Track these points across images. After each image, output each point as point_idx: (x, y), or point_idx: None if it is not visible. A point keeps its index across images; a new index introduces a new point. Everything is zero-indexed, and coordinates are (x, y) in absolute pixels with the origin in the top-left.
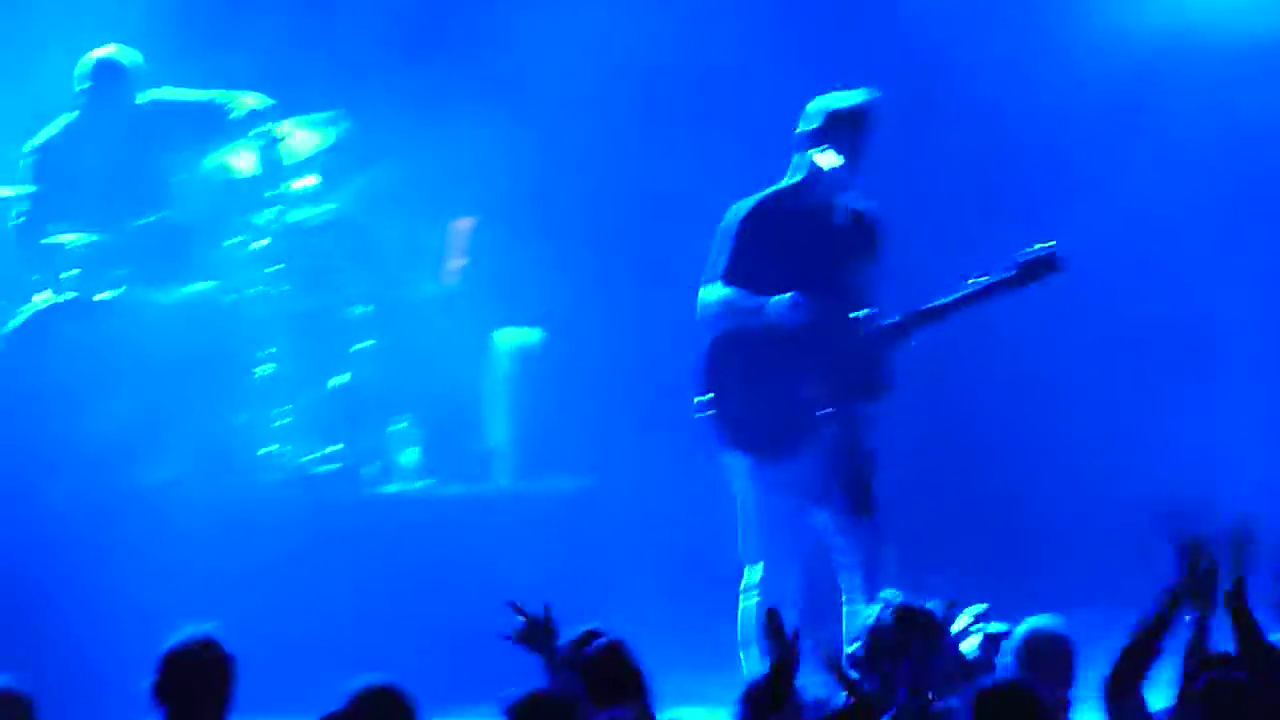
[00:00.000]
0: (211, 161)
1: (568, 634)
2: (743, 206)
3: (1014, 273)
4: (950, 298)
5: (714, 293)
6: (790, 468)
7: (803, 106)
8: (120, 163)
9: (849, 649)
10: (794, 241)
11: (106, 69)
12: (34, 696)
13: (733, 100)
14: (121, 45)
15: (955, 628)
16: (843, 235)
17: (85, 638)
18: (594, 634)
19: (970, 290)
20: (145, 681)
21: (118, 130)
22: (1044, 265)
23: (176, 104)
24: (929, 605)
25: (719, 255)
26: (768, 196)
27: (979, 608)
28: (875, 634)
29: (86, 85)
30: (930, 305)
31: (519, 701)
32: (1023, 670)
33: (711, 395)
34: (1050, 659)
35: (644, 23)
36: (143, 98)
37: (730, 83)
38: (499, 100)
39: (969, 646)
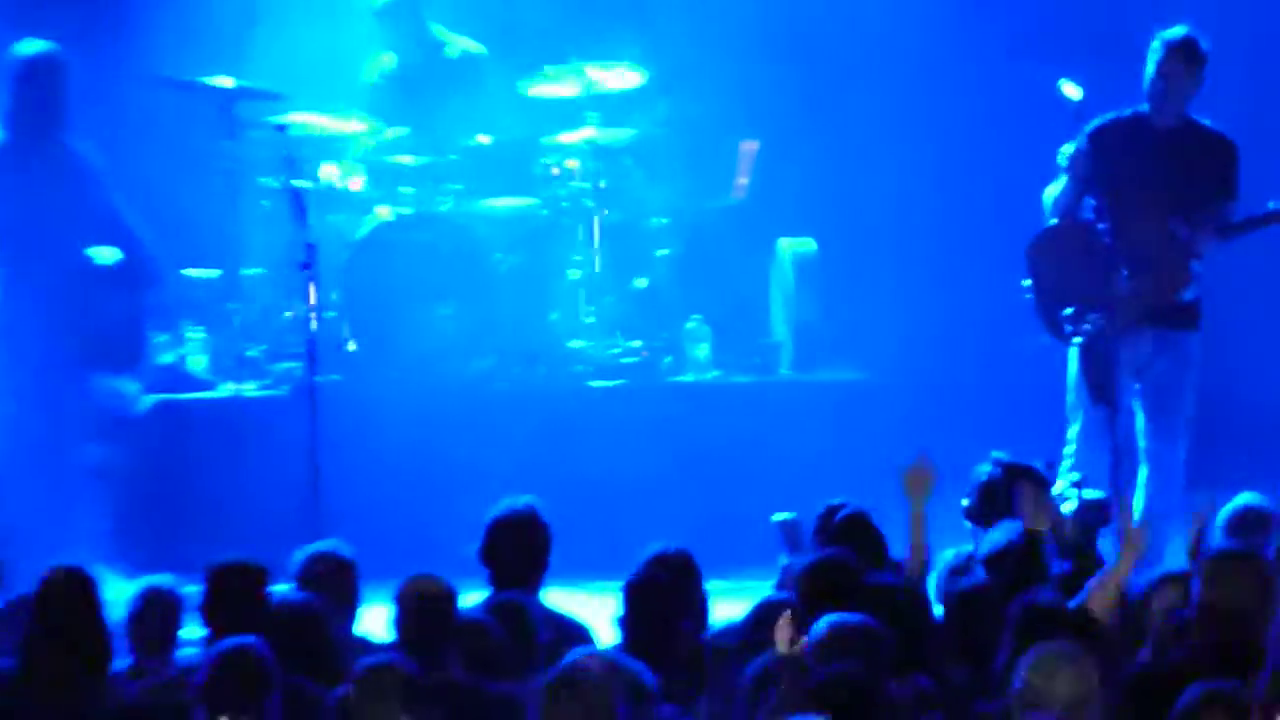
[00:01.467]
0: (526, 89)
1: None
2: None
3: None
4: (1258, 214)
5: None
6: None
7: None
8: (440, 95)
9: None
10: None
11: (401, 6)
12: (356, 560)
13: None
14: None
15: (1055, 489)
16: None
17: (421, 505)
18: (837, 507)
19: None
20: (472, 546)
21: (427, 66)
22: None
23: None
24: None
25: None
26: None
27: (1076, 476)
28: (985, 488)
29: (389, 21)
30: (1249, 216)
31: (808, 567)
32: (1231, 538)
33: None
34: (1253, 527)
35: None
36: (450, 44)
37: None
38: (778, 35)
39: (1067, 508)
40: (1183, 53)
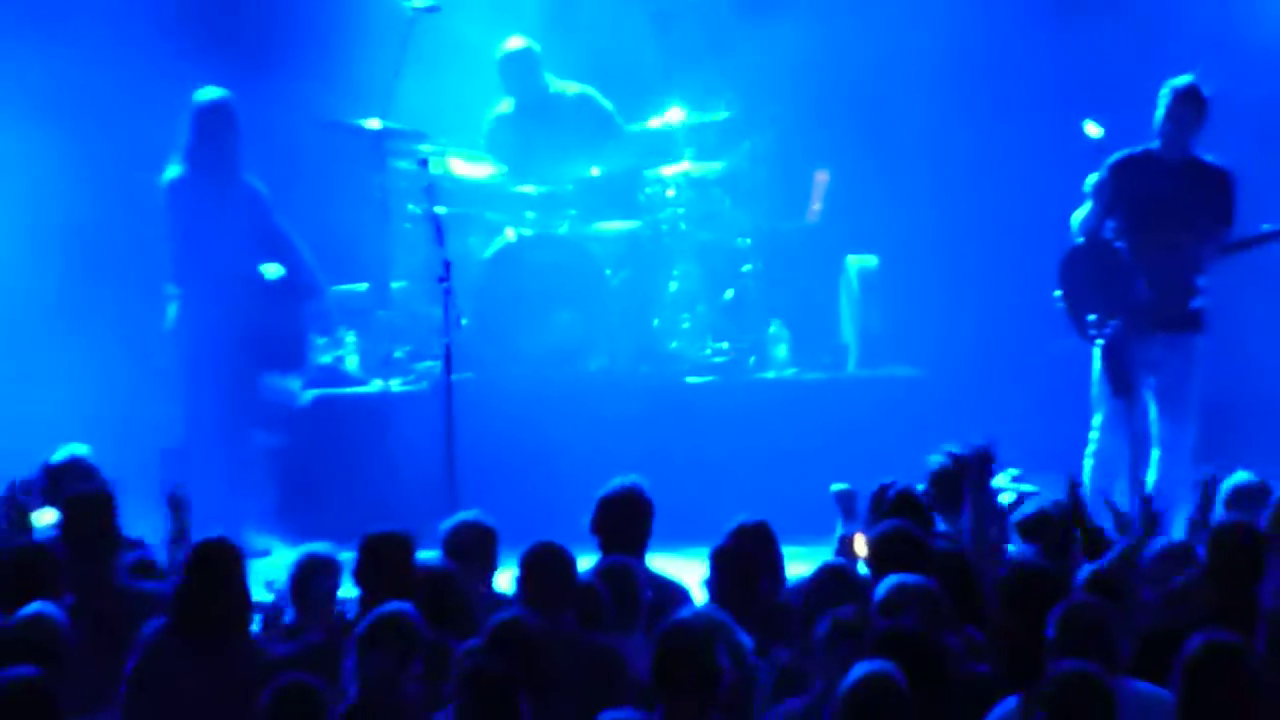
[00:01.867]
0: (634, 129)
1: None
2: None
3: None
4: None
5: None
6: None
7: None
8: (553, 134)
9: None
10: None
11: (518, 61)
12: (498, 528)
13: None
14: (526, 36)
15: (995, 482)
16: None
17: (541, 483)
18: (889, 484)
19: (1265, 232)
20: (585, 518)
21: (543, 112)
22: None
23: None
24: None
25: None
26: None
27: (1014, 471)
28: (937, 476)
29: (509, 70)
30: (1244, 237)
31: (878, 535)
32: (1227, 509)
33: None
34: (1248, 500)
35: None
36: (566, 88)
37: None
38: (845, 81)
39: (1005, 499)
40: (1188, 99)
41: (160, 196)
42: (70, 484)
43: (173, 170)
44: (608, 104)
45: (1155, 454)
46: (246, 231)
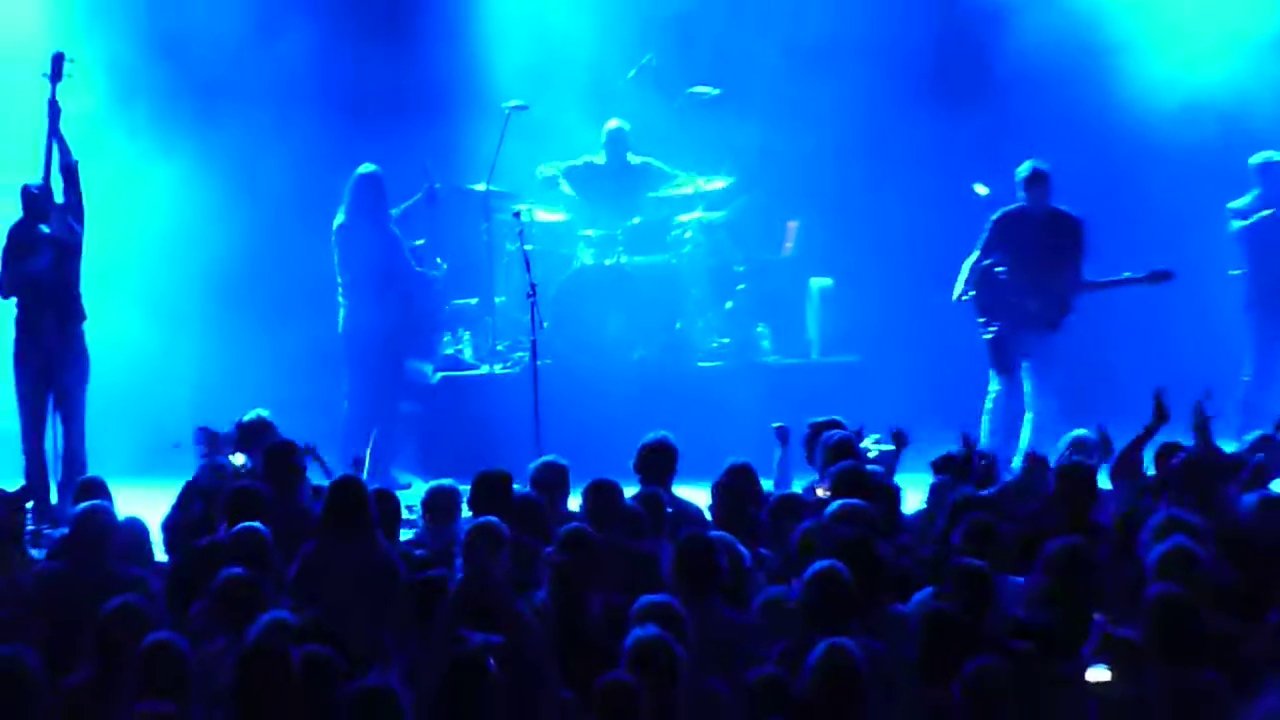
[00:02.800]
0: (664, 191)
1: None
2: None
3: (1144, 275)
4: (1111, 280)
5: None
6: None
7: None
8: (619, 191)
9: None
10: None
11: (617, 138)
12: (569, 467)
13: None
14: (621, 119)
15: (863, 444)
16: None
17: (598, 436)
18: (821, 424)
19: (1122, 278)
20: (629, 460)
21: (619, 173)
22: (1163, 276)
23: (652, 166)
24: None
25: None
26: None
27: (875, 436)
28: (806, 440)
29: (605, 142)
30: (1100, 281)
31: (838, 473)
32: (1071, 453)
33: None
34: (1089, 450)
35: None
36: (634, 159)
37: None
38: (808, 162)
39: (871, 454)
40: (1035, 178)
41: (332, 236)
42: (257, 436)
43: (340, 218)
44: (662, 165)
45: (1028, 417)
46: (390, 262)
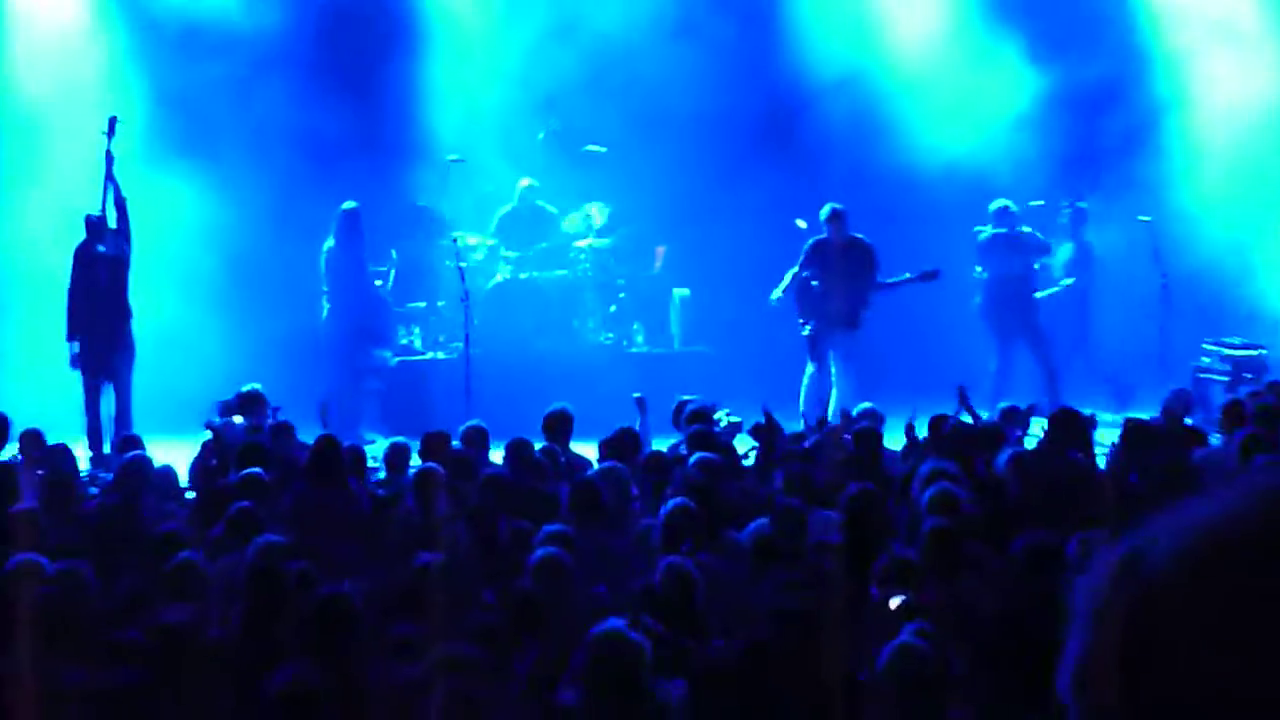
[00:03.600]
0: (564, 224)
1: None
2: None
3: (917, 275)
4: (895, 280)
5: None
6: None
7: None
8: (529, 226)
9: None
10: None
11: (528, 191)
12: (489, 430)
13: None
14: (533, 179)
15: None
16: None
17: (513, 406)
18: (684, 401)
19: (902, 279)
20: (537, 425)
21: (529, 215)
22: (932, 275)
23: (547, 210)
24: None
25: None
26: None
27: (726, 409)
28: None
29: (520, 195)
30: (888, 281)
31: (694, 434)
32: (862, 421)
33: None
34: (876, 417)
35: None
36: (540, 203)
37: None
38: (673, 199)
39: (722, 424)
40: (834, 216)
41: (321, 255)
42: (253, 403)
43: (329, 242)
44: (554, 210)
45: (834, 393)
46: (362, 274)
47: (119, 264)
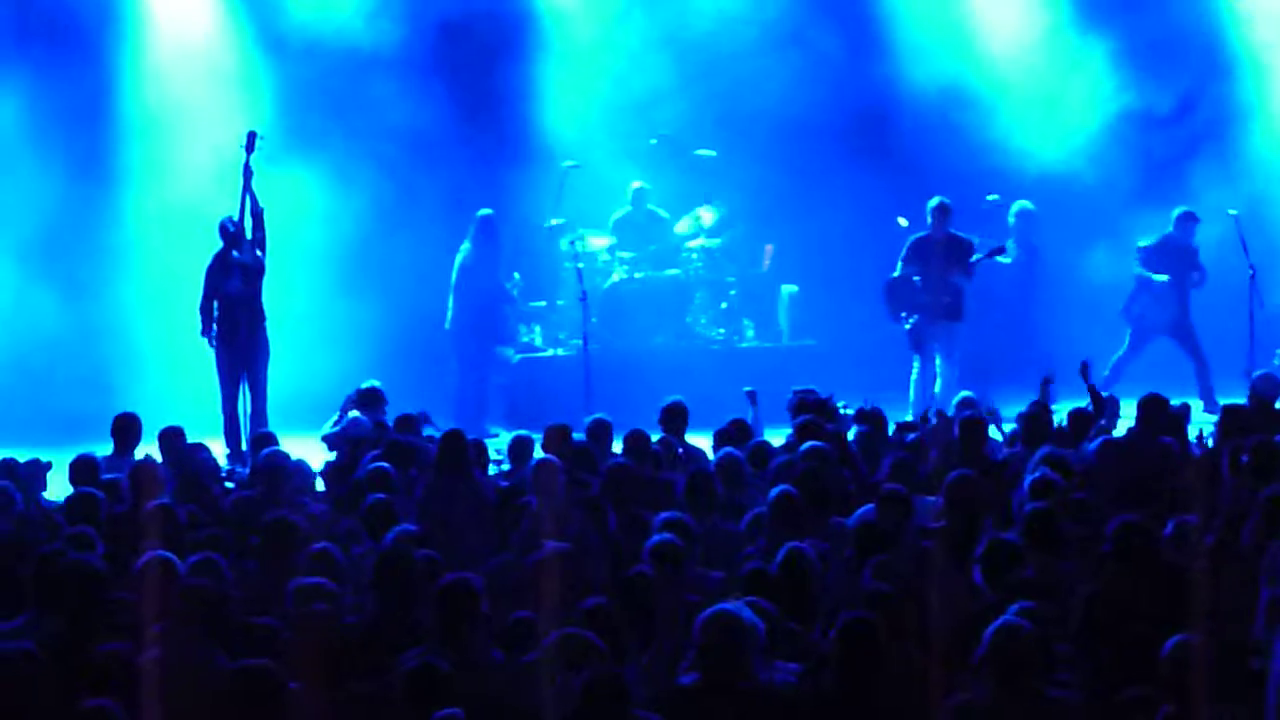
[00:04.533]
0: (676, 226)
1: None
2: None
3: (986, 254)
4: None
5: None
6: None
7: None
8: (643, 228)
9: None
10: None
11: (640, 194)
12: (613, 422)
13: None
14: (644, 182)
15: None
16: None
17: (632, 400)
18: (801, 391)
19: (976, 259)
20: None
21: (642, 218)
22: (999, 251)
23: (659, 214)
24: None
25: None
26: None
27: (843, 401)
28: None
29: (631, 197)
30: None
31: (802, 424)
32: (963, 411)
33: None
34: (976, 405)
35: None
36: (651, 207)
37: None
38: (780, 202)
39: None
40: (941, 211)
41: (457, 258)
42: (374, 400)
43: (465, 247)
44: (666, 214)
45: (938, 383)
46: (494, 276)
47: (254, 270)
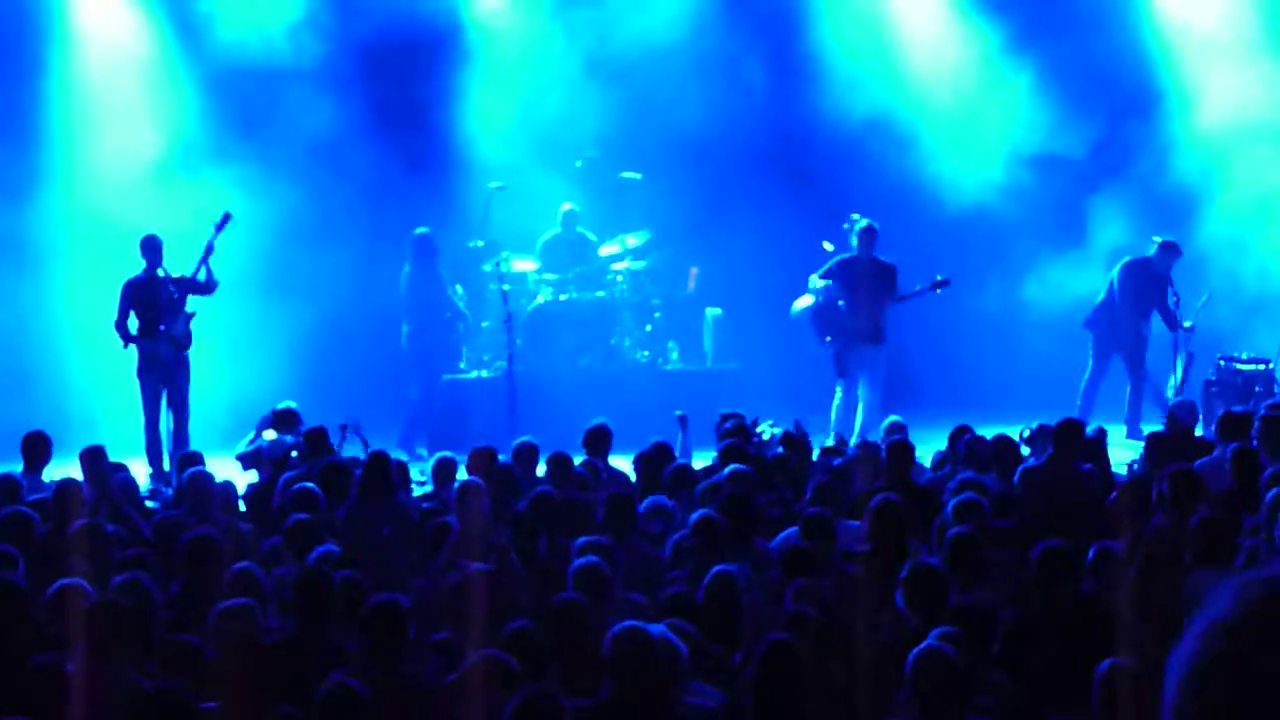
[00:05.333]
0: (604, 246)
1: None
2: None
3: (929, 286)
4: (909, 293)
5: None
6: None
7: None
8: (569, 251)
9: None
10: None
11: (569, 216)
12: (539, 444)
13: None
14: (572, 202)
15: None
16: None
17: (555, 422)
18: (727, 415)
19: (915, 291)
20: (579, 440)
21: (570, 240)
22: (943, 283)
23: (588, 237)
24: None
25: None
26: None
27: (769, 420)
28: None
29: (561, 219)
30: (903, 294)
31: (727, 448)
32: (892, 435)
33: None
34: (903, 429)
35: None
36: (580, 229)
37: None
38: (704, 224)
39: (767, 436)
40: (868, 234)
41: (401, 280)
42: (286, 421)
43: (406, 268)
44: (594, 238)
45: (861, 407)
46: (440, 294)
47: (183, 288)
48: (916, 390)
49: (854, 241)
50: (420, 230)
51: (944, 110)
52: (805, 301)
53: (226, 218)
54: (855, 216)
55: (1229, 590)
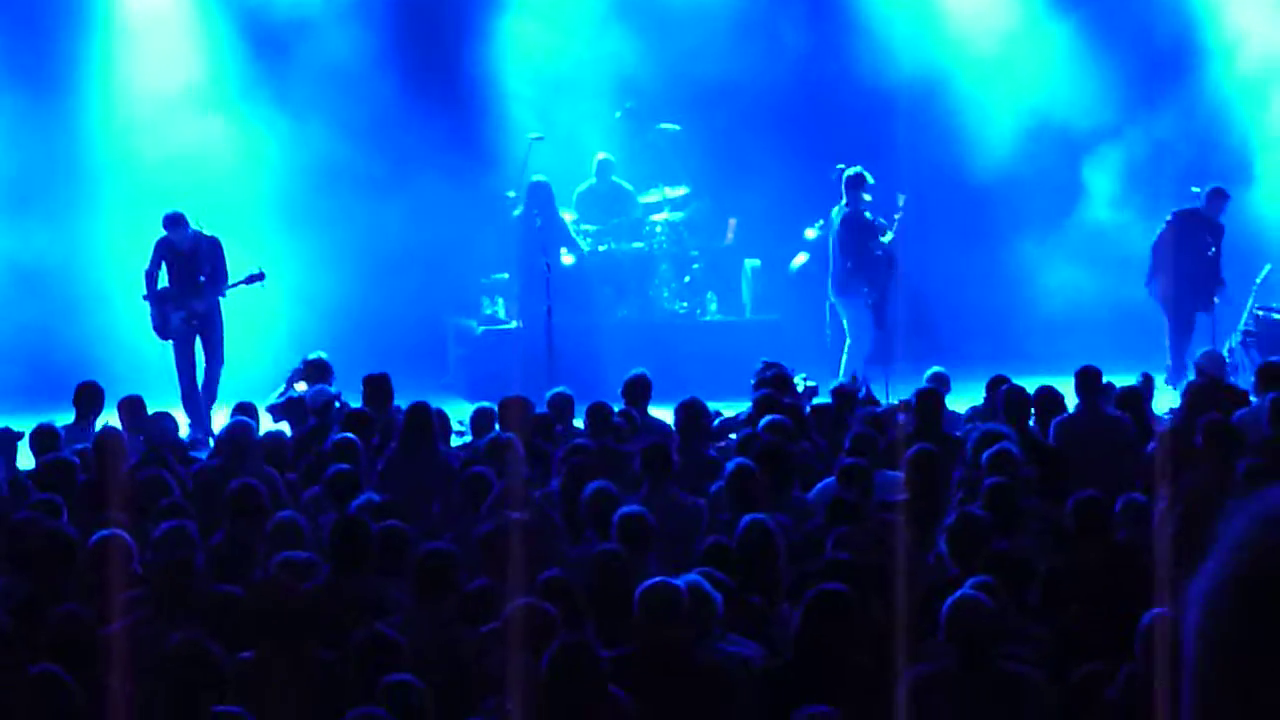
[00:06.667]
0: (639, 200)
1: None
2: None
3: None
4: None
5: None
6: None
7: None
8: (607, 202)
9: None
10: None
11: (604, 165)
12: (574, 395)
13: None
14: (607, 151)
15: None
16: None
17: (592, 370)
18: (768, 364)
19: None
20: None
21: (606, 190)
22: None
23: (624, 187)
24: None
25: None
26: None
27: (803, 374)
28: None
29: (596, 169)
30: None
31: (762, 398)
32: (929, 384)
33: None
34: (941, 380)
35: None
36: (616, 179)
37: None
38: (745, 175)
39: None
40: (857, 180)
41: (515, 221)
42: (318, 372)
43: (518, 209)
44: (630, 187)
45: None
46: (561, 241)
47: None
48: (954, 345)
49: (844, 193)
50: (537, 178)
51: (983, 67)
52: (801, 259)
53: (258, 276)
54: (840, 166)
55: (1246, 512)
